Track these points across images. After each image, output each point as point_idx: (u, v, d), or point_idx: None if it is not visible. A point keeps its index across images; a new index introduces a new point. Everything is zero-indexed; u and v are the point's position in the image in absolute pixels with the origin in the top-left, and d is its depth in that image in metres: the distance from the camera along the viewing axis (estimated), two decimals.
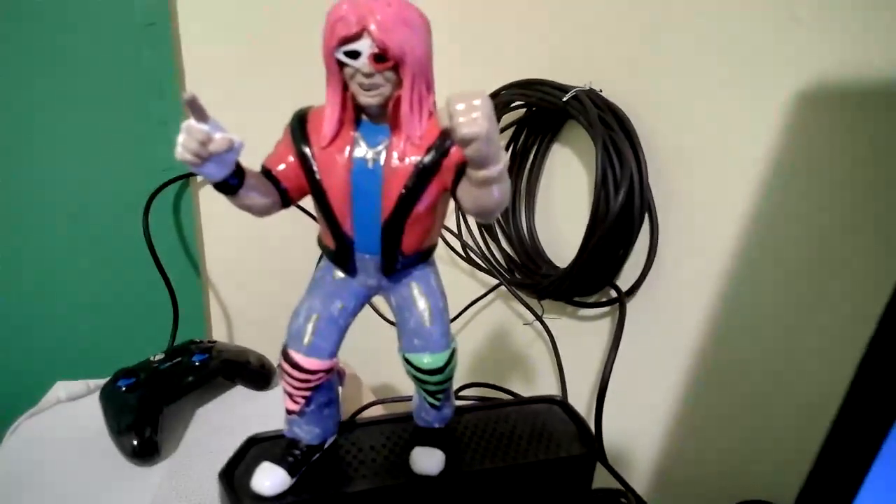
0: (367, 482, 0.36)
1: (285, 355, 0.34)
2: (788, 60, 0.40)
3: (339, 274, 0.34)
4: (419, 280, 0.34)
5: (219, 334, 0.81)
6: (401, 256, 0.32)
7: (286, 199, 0.32)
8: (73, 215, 0.69)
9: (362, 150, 0.30)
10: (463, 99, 0.24)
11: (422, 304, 0.34)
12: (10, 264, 0.68)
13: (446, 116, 0.24)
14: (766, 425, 0.46)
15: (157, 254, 0.69)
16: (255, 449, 0.38)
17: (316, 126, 0.31)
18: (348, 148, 0.30)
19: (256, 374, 0.59)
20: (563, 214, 0.62)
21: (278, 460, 0.35)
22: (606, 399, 0.51)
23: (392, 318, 0.36)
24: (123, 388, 0.50)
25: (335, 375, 0.36)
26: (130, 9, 0.63)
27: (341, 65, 0.28)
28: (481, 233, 0.69)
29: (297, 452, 0.36)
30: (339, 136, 0.30)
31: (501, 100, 0.59)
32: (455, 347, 0.35)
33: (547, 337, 0.62)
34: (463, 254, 0.70)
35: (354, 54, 0.27)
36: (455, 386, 0.38)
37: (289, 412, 0.35)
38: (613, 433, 0.56)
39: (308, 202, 0.33)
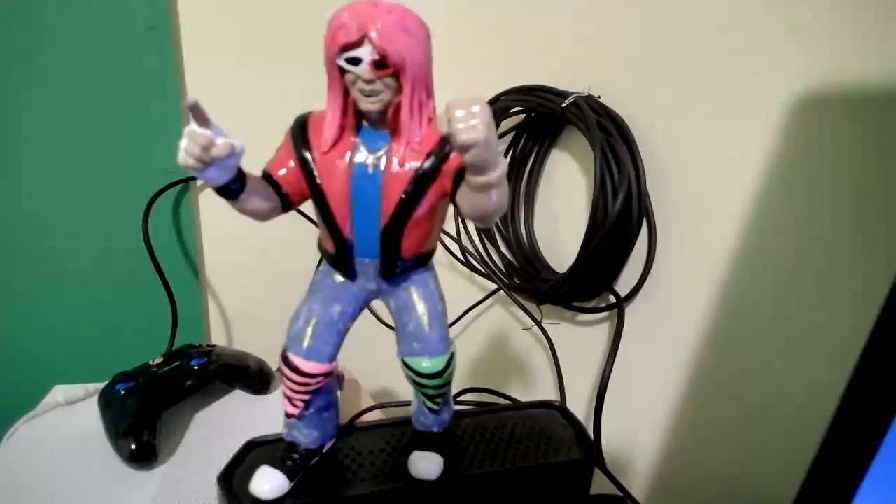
0: (365, 486, 0.36)
1: (285, 359, 0.34)
2: (785, 66, 0.41)
3: (339, 278, 0.34)
4: (418, 284, 0.34)
5: (217, 338, 0.81)
6: (400, 261, 0.33)
7: (287, 204, 0.32)
8: (72, 218, 0.69)
9: (363, 156, 0.31)
10: (462, 105, 0.24)
11: (421, 307, 0.34)
12: (10, 267, 0.68)
13: (445, 122, 0.24)
14: (765, 431, 0.46)
15: (156, 257, 0.69)
16: (254, 452, 0.38)
17: (317, 131, 0.31)
18: (349, 153, 0.31)
19: (255, 379, 0.59)
20: (561, 219, 0.62)
21: (277, 464, 0.35)
22: (605, 404, 0.51)
23: (391, 323, 0.36)
24: (122, 392, 0.50)
25: (334, 379, 0.36)
26: (131, 12, 0.64)
27: (342, 71, 0.28)
28: (480, 237, 0.69)
29: (296, 456, 0.36)
30: (340, 142, 0.31)
31: (500, 105, 0.60)
32: (454, 351, 0.35)
33: (546, 342, 0.62)
34: (462, 258, 0.70)
35: (355, 61, 0.28)
36: (454, 390, 0.38)
37: (288, 415, 0.35)
38: (612, 438, 0.56)
39: (308, 206, 0.33)
